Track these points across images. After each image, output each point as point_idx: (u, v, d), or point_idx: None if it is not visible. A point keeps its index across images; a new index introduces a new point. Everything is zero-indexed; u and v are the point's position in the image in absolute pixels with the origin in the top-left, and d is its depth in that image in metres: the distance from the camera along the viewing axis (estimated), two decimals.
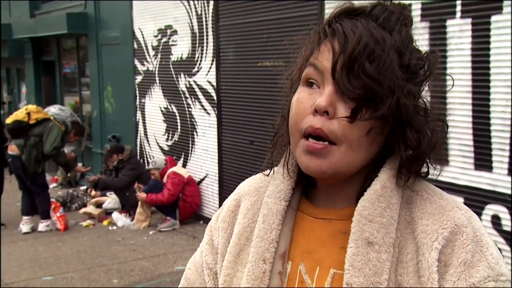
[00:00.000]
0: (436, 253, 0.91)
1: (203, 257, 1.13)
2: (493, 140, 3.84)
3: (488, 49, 3.80)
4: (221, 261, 1.07)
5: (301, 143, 0.95)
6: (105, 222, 7.80)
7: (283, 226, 1.02)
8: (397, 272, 0.92)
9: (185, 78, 7.60)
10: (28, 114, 7.30)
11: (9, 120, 7.42)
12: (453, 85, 1.05)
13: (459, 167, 3.99)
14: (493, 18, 3.76)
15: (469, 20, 3.91)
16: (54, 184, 10.21)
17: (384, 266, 0.91)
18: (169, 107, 8.11)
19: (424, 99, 0.97)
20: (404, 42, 0.93)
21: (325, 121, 0.91)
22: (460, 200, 1.01)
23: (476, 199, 3.91)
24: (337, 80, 0.91)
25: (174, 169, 7.50)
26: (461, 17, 3.96)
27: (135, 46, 8.75)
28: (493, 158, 3.85)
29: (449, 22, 4.05)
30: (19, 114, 7.37)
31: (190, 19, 7.38)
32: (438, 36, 4.07)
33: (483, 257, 0.91)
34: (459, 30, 3.99)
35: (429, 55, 0.97)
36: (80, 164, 9.00)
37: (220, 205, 7.00)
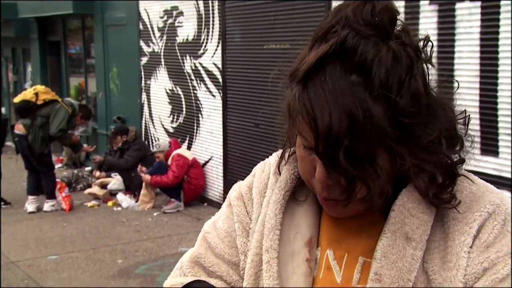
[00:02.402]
0: (468, 239, 0.90)
1: (236, 217, 1.08)
2: (500, 124, 3.83)
3: (497, 32, 3.78)
4: (251, 237, 1.05)
5: (318, 192, 0.95)
6: (109, 203, 7.84)
7: (305, 213, 1.01)
8: (423, 259, 0.91)
9: (191, 60, 7.58)
10: (36, 94, 7.32)
11: (16, 100, 7.44)
12: (458, 86, 0.98)
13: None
14: (503, 1, 3.73)
15: (479, 3, 3.89)
16: (59, 165, 10.23)
17: (417, 264, 0.90)
18: (174, 89, 8.10)
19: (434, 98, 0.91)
20: (390, 73, 0.84)
21: (330, 189, 0.90)
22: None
23: None
24: (324, 163, 0.87)
25: (178, 151, 7.51)
26: (471, 0, 3.93)
27: (141, 27, 8.72)
28: (500, 143, 3.85)
29: (458, 5, 4.02)
30: (27, 94, 7.39)
31: (196, 0, 7.34)
32: (447, 19, 4.04)
33: (506, 237, 0.90)
34: (468, 14, 3.96)
35: (425, 40, 0.91)
36: (85, 145, 9.02)
37: (225, 187, 7.11)
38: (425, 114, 0.86)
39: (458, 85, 0.96)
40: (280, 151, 1.06)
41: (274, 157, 1.09)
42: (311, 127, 0.84)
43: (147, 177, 7.36)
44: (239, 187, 1.11)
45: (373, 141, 0.83)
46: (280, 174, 1.04)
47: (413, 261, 0.89)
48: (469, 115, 0.94)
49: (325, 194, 0.91)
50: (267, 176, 1.07)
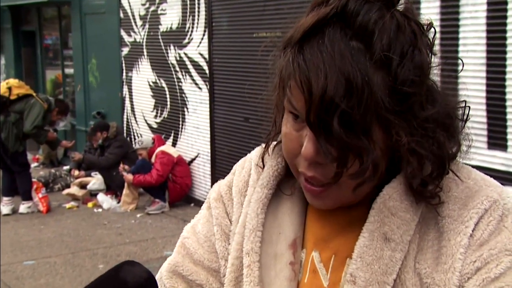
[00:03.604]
0: (464, 240, 0.88)
1: (214, 220, 1.08)
2: (508, 116, 3.84)
3: (505, 17, 3.77)
4: (232, 239, 1.04)
5: (301, 180, 0.94)
6: (89, 204, 7.83)
7: (289, 211, 1.01)
8: (415, 260, 0.90)
9: (175, 50, 7.58)
10: (9, 88, 7.32)
11: None
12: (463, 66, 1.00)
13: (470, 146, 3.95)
14: None
15: None
16: (36, 164, 10.24)
17: (396, 266, 0.89)
18: (158, 81, 8.10)
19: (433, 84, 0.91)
20: (393, 42, 0.84)
21: (317, 168, 0.89)
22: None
23: None
24: (314, 133, 0.86)
25: (162, 148, 7.52)
26: None
27: (121, 15, 8.71)
28: (508, 136, 3.85)
29: None
30: (0, 89, 7.34)
31: None
32: (450, 3, 4.04)
33: (502, 232, 0.88)
34: None
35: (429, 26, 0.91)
36: (64, 141, 9.01)
37: (212, 186, 7.06)
38: (425, 90, 0.87)
39: (463, 65, 0.99)
40: (263, 145, 1.06)
41: (255, 152, 1.10)
42: (304, 90, 0.84)
43: (129, 176, 7.35)
44: (218, 187, 1.12)
45: (370, 110, 0.82)
46: (263, 166, 1.03)
47: (391, 262, 0.89)
48: (469, 106, 0.94)
49: (311, 174, 0.90)
50: (248, 173, 1.07)
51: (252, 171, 1.06)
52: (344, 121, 0.82)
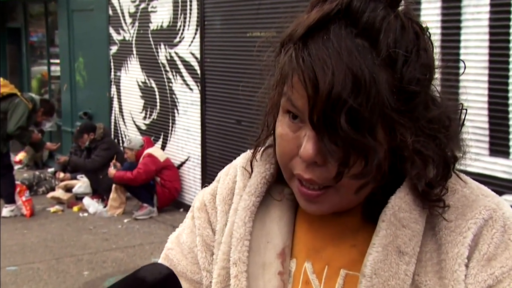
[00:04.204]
0: (462, 250, 0.89)
1: (197, 231, 1.09)
2: (511, 122, 3.83)
3: (509, 19, 3.77)
4: (217, 249, 1.04)
5: (295, 185, 0.93)
6: (75, 208, 7.82)
7: (277, 219, 1.01)
8: (415, 272, 0.90)
9: (166, 49, 7.57)
10: None
11: None
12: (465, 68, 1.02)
13: (471, 153, 3.91)
14: None
15: None
16: (19, 166, 10.22)
17: (409, 280, 0.89)
18: (147, 81, 8.09)
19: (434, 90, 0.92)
20: (398, 40, 0.86)
21: (315, 169, 0.88)
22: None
23: (491, 188, 3.85)
24: (317, 131, 0.86)
25: (150, 150, 7.55)
26: None
27: (110, 12, 8.71)
28: (511, 143, 3.85)
29: None
30: None
31: None
32: (452, 4, 4.04)
33: (509, 247, 0.89)
34: None
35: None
36: (48, 143, 8.98)
37: None
38: (429, 90, 0.89)
39: (465, 68, 1.05)
40: (248, 151, 1.07)
41: (241, 158, 1.09)
42: (308, 87, 0.83)
43: (112, 171, 7.40)
44: (202, 195, 1.12)
45: (377, 108, 0.83)
46: (252, 171, 1.03)
47: (406, 277, 0.89)
48: (466, 109, 0.95)
49: (308, 176, 0.89)
50: (232, 180, 1.07)
51: (237, 178, 1.05)
52: (351, 118, 0.82)
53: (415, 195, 0.91)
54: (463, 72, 1.01)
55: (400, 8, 0.90)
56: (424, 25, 0.91)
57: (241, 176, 1.05)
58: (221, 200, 1.07)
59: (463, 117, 0.94)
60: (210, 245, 1.06)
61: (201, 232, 1.07)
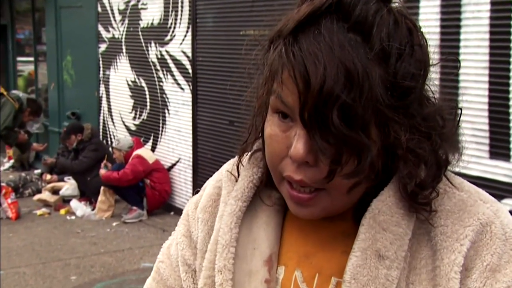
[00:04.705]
0: (459, 258, 0.89)
1: (179, 251, 1.10)
2: None
3: (510, 18, 3.77)
4: (200, 257, 1.04)
5: (285, 188, 0.93)
6: (62, 211, 7.80)
7: (264, 225, 1.00)
8: (408, 280, 0.90)
9: (156, 47, 7.58)
10: None
11: None
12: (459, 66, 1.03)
13: (471, 155, 3.93)
14: None
15: None
16: (5, 167, 10.22)
17: (392, 285, 0.88)
18: (137, 80, 8.09)
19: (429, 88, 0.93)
20: (391, 35, 0.86)
21: (306, 170, 0.88)
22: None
23: (491, 192, 3.82)
24: (308, 129, 0.85)
25: (139, 151, 7.56)
26: None
27: (99, 9, 8.71)
28: None
29: None
30: None
31: None
32: (452, 2, 4.04)
33: None
34: None
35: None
36: (35, 144, 8.95)
37: (194, 194, 7.12)
38: (424, 87, 0.89)
39: (460, 65, 1.01)
40: (235, 158, 1.06)
41: (228, 164, 1.09)
42: (299, 82, 0.83)
43: (101, 171, 7.45)
44: (188, 204, 1.13)
45: (370, 104, 0.83)
46: (238, 175, 1.03)
47: (388, 282, 0.89)
48: (461, 109, 0.95)
49: (299, 177, 0.88)
50: (213, 186, 1.08)
51: (223, 183, 1.05)
52: (343, 114, 0.82)
53: (398, 197, 0.90)
54: (459, 69, 1.02)
55: (393, 5, 0.90)
56: (417, 23, 0.91)
57: (227, 182, 1.04)
58: (201, 208, 1.07)
59: (456, 119, 0.94)
60: (185, 260, 1.07)
61: (183, 253, 1.08)
